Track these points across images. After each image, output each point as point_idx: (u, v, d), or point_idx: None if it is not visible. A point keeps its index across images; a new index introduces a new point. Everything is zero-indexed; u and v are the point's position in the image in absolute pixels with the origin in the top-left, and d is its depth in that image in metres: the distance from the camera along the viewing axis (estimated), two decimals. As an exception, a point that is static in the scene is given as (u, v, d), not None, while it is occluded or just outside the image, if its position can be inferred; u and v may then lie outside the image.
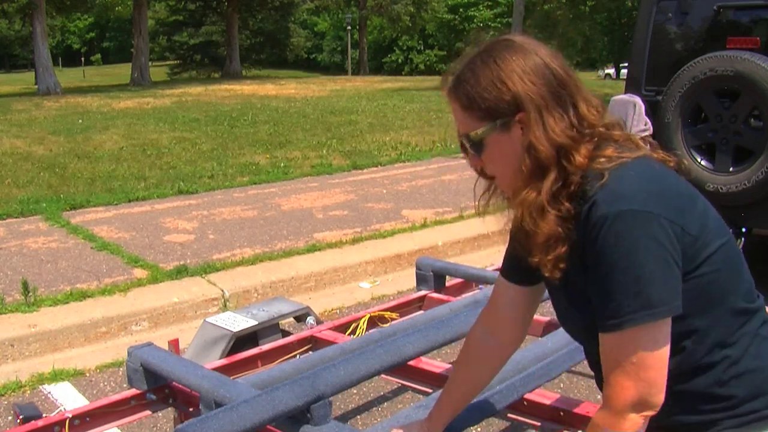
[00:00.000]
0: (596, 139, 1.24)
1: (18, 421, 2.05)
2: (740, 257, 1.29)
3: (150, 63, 28.85)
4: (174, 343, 2.48)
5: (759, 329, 1.26)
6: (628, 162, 1.20)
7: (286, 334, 2.87)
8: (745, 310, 1.25)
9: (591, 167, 1.21)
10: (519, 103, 1.23)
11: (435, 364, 2.37)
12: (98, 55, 74.05)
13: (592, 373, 1.38)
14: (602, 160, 1.20)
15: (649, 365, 1.16)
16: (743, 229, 4.18)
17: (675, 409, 1.28)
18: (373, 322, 2.81)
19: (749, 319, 1.25)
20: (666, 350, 1.17)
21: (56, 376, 3.71)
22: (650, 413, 1.19)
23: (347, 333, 2.71)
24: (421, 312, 2.92)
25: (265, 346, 2.57)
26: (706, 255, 1.20)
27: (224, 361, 2.42)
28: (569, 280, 1.27)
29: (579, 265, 1.22)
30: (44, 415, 2.13)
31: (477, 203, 1.40)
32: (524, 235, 1.28)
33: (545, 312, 2.36)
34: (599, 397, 1.31)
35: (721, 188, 4.04)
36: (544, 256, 1.25)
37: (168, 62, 42.78)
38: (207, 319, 2.83)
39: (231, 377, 2.13)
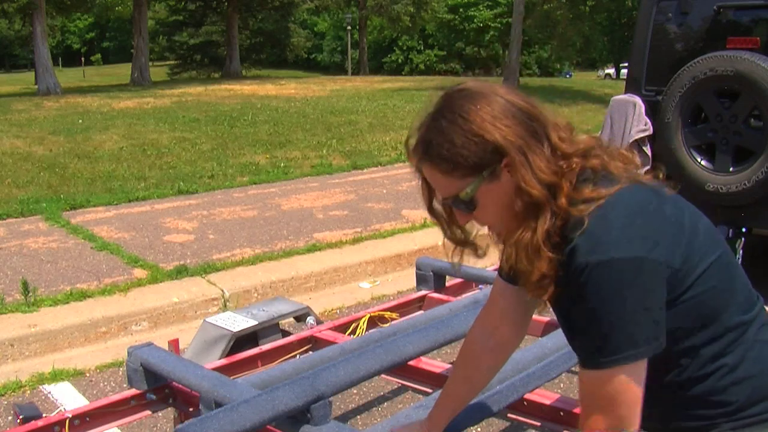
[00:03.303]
0: (574, 172, 1.21)
1: (18, 421, 2.05)
2: (735, 269, 1.27)
3: (150, 63, 28.84)
4: (174, 343, 2.48)
5: (758, 334, 1.25)
6: (607, 201, 1.18)
7: (286, 334, 2.88)
8: (741, 323, 1.23)
9: (570, 212, 1.19)
10: (501, 150, 1.21)
11: (435, 364, 2.37)
12: (98, 55, 74.02)
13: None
14: (581, 206, 1.18)
15: (621, 402, 1.18)
16: (743, 229, 4.18)
17: (674, 416, 1.29)
18: (373, 322, 2.81)
19: (746, 329, 1.24)
20: (640, 389, 1.19)
21: (56, 376, 3.71)
22: None
23: (347, 333, 2.71)
24: (421, 312, 2.92)
25: (265, 346, 2.57)
26: (693, 279, 1.19)
27: (224, 361, 2.42)
28: (559, 306, 1.30)
29: (563, 300, 1.25)
30: (44, 415, 2.13)
31: (451, 260, 1.40)
32: (519, 273, 1.29)
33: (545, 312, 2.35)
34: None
35: (721, 188, 4.04)
36: (537, 292, 1.26)
37: (168, 62, 42.75)
38: (207, 319, 2.83)
39: (231, 377, 2.13)
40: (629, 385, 1.17)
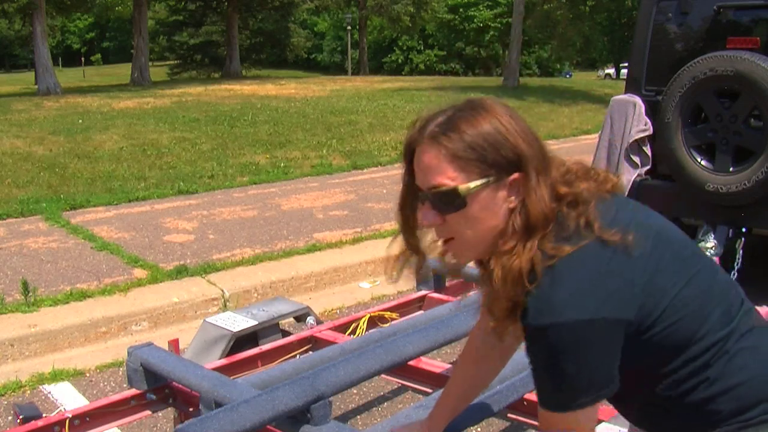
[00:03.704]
0: (555, 219, 1.19)
1: (18, 421, 2.05)
2: (709, 288, 1.23)
3: (150, 63, 28.82)
4: (174, 343, 2.48)
5: (739, 342, 1.22)
6: (563, 260, 1.14)
7: (286, 334, 2.88)
8: (719, 339, 1.21)
9: (532, 258, 1.16)
10: (520, 163, 1.17)
11: (435, 364, 2.37)
12: (98, 55, 74.01)
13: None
14: (538, 257, 1.15)
15: None
16: (743, 229, 4.18)
17: (666, 426, 1.29)
18: (373, 322, 2.82)
19: (725, 343, 1.21)
20: (591, 425, 1.21)
21: (56, 376, 3.71)
22: None
23: (347, 333, 2.72)
24: (421, 312, 2.92)
25: (265, 346, 2.57)
26: (657, 316, 1.17)
27: (224, 361, 2.42)
28: None
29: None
30: (44, 415, 2.14)
31: (390, 269, 1.35)
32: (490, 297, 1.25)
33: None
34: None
35: (721, 188, 4.04)
36: (503, 321, 1.23)
37: (168, 62, 42.74)
38: (207, 319, 2.83)
39: (231, 377, 2.14)
40: (580, 425, 1.20)
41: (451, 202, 1.18)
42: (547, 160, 1.21)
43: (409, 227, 1.32)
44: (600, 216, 1.19)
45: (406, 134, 1.27)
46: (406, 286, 4.77)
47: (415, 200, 1.26)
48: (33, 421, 2.00)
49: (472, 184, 1.17)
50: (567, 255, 1.14)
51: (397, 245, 1.34)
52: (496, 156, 1.16)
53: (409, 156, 1.26)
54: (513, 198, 1.19)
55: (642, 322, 1.17)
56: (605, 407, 1.81)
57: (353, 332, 2.73)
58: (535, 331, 1.15)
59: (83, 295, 4.41)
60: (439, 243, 1.28)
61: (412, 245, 1.33)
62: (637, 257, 1.17)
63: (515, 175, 1.17)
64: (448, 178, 1.17)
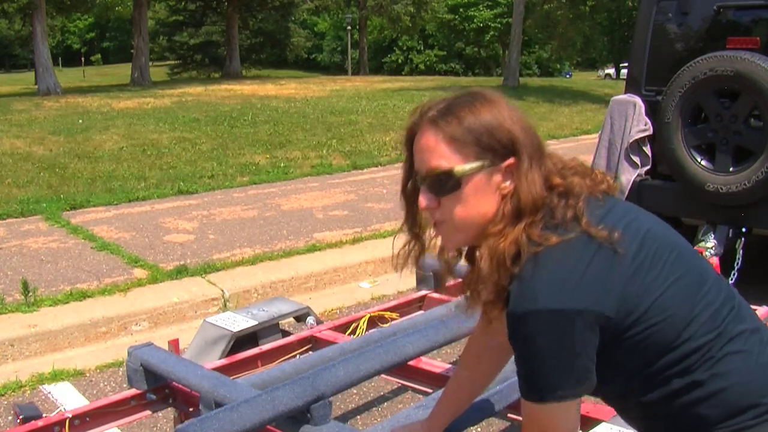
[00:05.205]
0: (545, 207, 1.21)
1: (18, 421, 2.05)
2: (695, 291, 1.23)
3: (150, 63, 28.80)
4: (174, 343, 2.48)
5: (726, 347, 1.22)
6: (548, 249, 1.17)
7: (286, 334, 2.88)
8: (705, 342, 1.21)
9: (520, 245, 1.19)
10: (514, 149, 1.21)
11: (435, 364, 2.37)
12: (98, 55, 74.01)
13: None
14: (524, 243, 1.18)
15: (555, 430, 1.22)
16: (743, 229, 4.18)
17: (656, 429, 1.29)
18: (373, 322, 2.82)
19: (712, 346, 1.21)
20: (572, 420, 1.22)
21: (56, 376, 3.71)
22: None
23: (347, 333, 2.72)
24: (421, 312, 2.92)
25: (265, 346, 2.57)
26: (634, 319, 1.17)
27: (224, 361, 2.42)
28: None
29: None
30: (44, 415, 2.14)
31: (395, 260, 1.39)
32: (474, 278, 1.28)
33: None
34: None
35: (721, 188, 4.04)
36: (488, 305, 1.26)
37: (168, 62, 42.73)
38: (207, 319, 2.83)
39: (231, 377, 2.14)
40: (560, 420, 1.20)
41: (446, 183, 1.22)
42: (542, 149, 1.25)
43: (410, 213, 1.36)
44: (589, 212, 1.21)
45: (407, 122, 1.32)
46: (406, 286, 4.78)
47: (415, 186, 1.30)
48: (33, 421, 2.00)
49: (468, 166, 1.21)
50: (552, 245, 1.17)
51: (403, 236, 1.38)
52: (491, 140, 1.21)
53: (409, 143, 1.31)
54: (507, 184, 1.23)
55: (622, 320, 1.17)
56: (604, 407, 1.81)
57: (353, 332, 2.74)
58: (514, 319, 1.16)
59: (83, 295, 4.41)
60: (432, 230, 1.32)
61: (413, 232, 1.37)
62: (621, 256, 1.18)
63: (510, 161, 1.21)
64: (445, 159, 1.22)
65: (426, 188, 1.25)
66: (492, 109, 1.22)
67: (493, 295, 1.23)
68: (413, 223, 1.36)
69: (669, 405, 1.23)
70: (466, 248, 1.37)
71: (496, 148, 1.21)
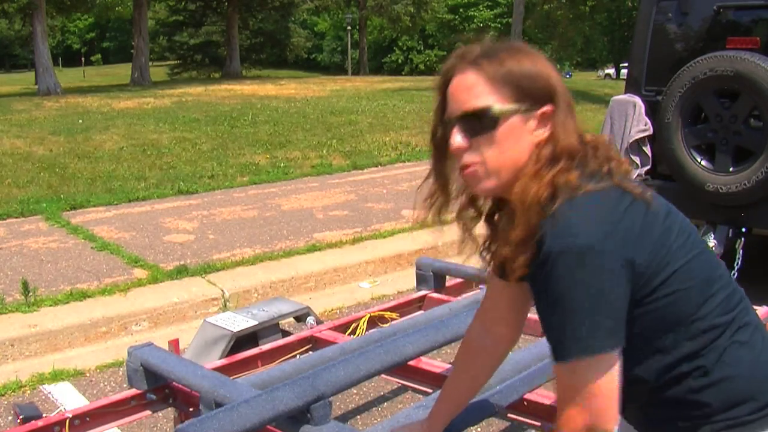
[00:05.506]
0: (578, 157, 1.22)
1: (18, 421, 2.05)
2: (713, 270, 1.25)
3: (150, 63, 28.83)
4: (174, 343, 2.48)
5: (735, 335, 1.22)
6: (585, 194, 1.17)
7: (286, 334, 2.87)
8: (717, 325, 1.21)
9: (556, 188, 1.19)
10: (551, 96, 1.23)
11: (435, 364, 2.37)
12: (98, 55, 74.05)
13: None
14: (560, 187, 1.18)
15: (595, 394, 1.16)
16: (743, 229, 4.18)
17: (651, 418, 1.29)
18: (373, 322, 2.81)
19: (723, 331, 1.22)
20: (613, 380, 1.17)
21: (56, 376, 3.71)
22: None
23: (347, 333, 2.71)
24: (421, 312, 2.92)
25: (265, 346, 2.57)
26: (662, 279, 1.18)
27: (224, 361, 2.42)
28: (535, 304, 1.27)
29: (536, 298, 1.23)
30: (44, 415, 2.13)
31: (415, 211, 1.36)
32: (504, 225, 1.28)
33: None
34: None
35: (721, 188, 4.04)
36: (515, 264, 1.23)
37: (168, 62, 42.76)
38: (207, 319, 2.83)
39: (231, 377, 2.13)
40: (598, 376, 1.15)
41: (481, 121, 1.22)
42: (573, 106, 1.27)
43: (438, 162, 1.34)
44: (619, 173, 1.23)
45: (443, 66, 1.31)
46: (406, 286, 4.78)
47: (445, 133, 1.29)
48: (33, 421, 2.00)
49: (506, 107, 1.21)
50: (588, 191, 1.17)
51: (425, 188, 1.36)
52: (531, 85, 1.22)
53: (443, 87, 1.29)
54: (540, 131, 1.23)
55: (651, 278, 1.17)
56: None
57: (353, 332, 2.73)
58: (552, 256, 1.13)
59: (83, 295, 4.41)
60: (458, 174, 1.30)
61: (439, 182, 1.35)
62: (654, 213, 1.21)
63: (546, 107, 1.22)
64: (483, 97, 1.22)
65: (459, 128, 1.24)
66: (533, 58, 1.24)
67: (524, 234, 1.19)
68: (439, 174, 1.35)
69: (672, 389, 1.23)
70: (486, 209, 1.36)
71: (535, 94, 1.22)
